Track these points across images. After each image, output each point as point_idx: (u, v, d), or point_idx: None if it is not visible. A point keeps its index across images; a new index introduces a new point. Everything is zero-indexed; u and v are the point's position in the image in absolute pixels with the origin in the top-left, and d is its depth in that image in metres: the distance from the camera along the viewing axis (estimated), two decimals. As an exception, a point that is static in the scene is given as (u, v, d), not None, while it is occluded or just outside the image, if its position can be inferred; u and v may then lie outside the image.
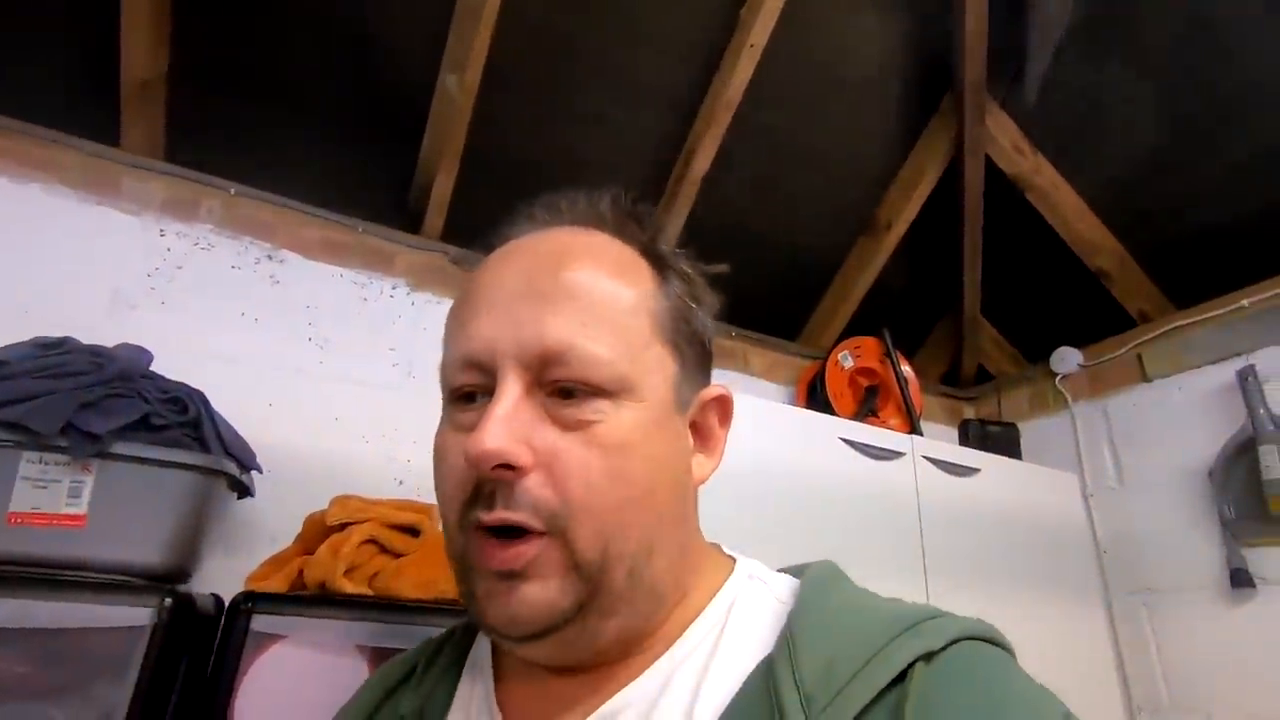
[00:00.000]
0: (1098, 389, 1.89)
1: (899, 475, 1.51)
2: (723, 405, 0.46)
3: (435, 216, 1.64)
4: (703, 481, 0.45)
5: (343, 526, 1.01)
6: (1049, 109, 1.77)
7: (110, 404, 0.93)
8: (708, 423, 0.46)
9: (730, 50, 1.62)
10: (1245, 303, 1.60)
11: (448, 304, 1.57)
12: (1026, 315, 2.15)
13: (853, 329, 2.01)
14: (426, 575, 1.00)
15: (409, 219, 1.66)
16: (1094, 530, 1.78)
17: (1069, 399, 1.93)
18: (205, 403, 1.06)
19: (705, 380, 0.46)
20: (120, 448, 0.91)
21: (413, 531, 1.05)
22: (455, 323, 0.43)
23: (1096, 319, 1.94)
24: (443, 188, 1.59)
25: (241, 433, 1.17)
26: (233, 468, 1.04)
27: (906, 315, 2.16)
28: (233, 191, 1.45)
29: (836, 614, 0.38)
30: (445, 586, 1.00)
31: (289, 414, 1.37)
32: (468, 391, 0.40)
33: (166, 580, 0.92)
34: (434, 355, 1.51)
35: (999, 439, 1.89)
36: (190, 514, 0.99)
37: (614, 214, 0.45)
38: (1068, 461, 1.88)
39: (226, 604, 0.89)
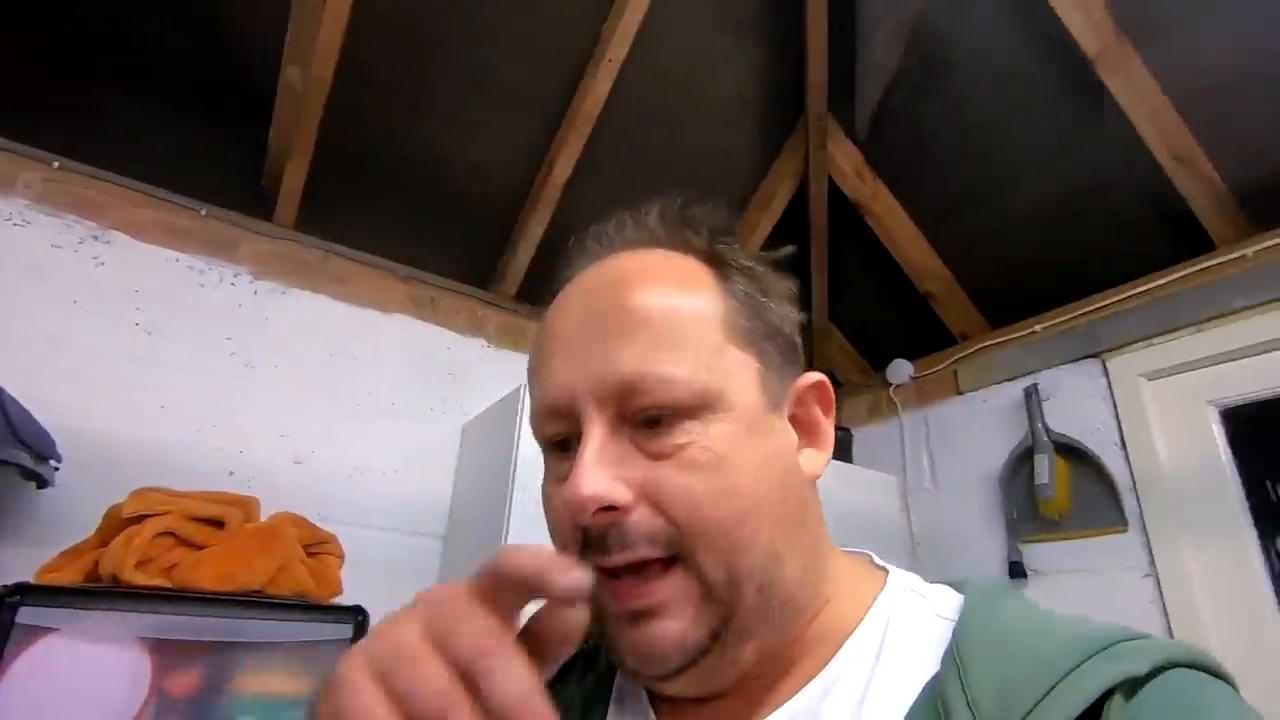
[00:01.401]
0: (922, 399, 2.07)
1: (728, 475, 1.62)
2: (821, 392, 0.44)
3: (287, 206, 1.62)
4: (817, 476, 0.43)
5: (141, 519, 1.00)
6: (887, 140, 1.92)
7: (-125, 389, 0.89)
8: (810, 414, 0.43)
9: (591, 63, 1.68)
10: (1038, 328, 1.81)
11: (294, 294, 1.57)
12: (872, 329, 2.33)
13: (711, 335, 2.12)
14: (227, 568, 1.01)
15: (260, 207, 1.63)
16: (910, 527, 1.96)
17: (899, 407, 2.11)
18: (-5, 389, 1.02)
19: (797, 371, 0.44)
20: (-117, 435, 0.87)
21: (219, 524, 1.06)
22: (533, 375, 0.42)
23: (928, 334, 2.13)
24: (294, 178, 1.58)
25: (57, 421, 1.14)
26: (23, 457, 1.01)
27: (765, 323, 2.30)
28: (56, 165, 1.39)
29: (1010, 631, 0.35)
30: (246, 579, 1.01)
31: (111, 402, 1.33)
32: (559, 439, 0.40)
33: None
34: (276, 345, 1.51)
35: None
36: (-29, 504, 0.96)
37: (664, 226, 0.44)
38: (894, 465, 2.06)
39: (4, 597, 0.87)
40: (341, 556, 1.24)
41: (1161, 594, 1.43)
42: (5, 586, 0.86)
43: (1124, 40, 1.46)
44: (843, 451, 2.05)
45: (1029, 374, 1.79)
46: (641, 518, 0.36)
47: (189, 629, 0.94)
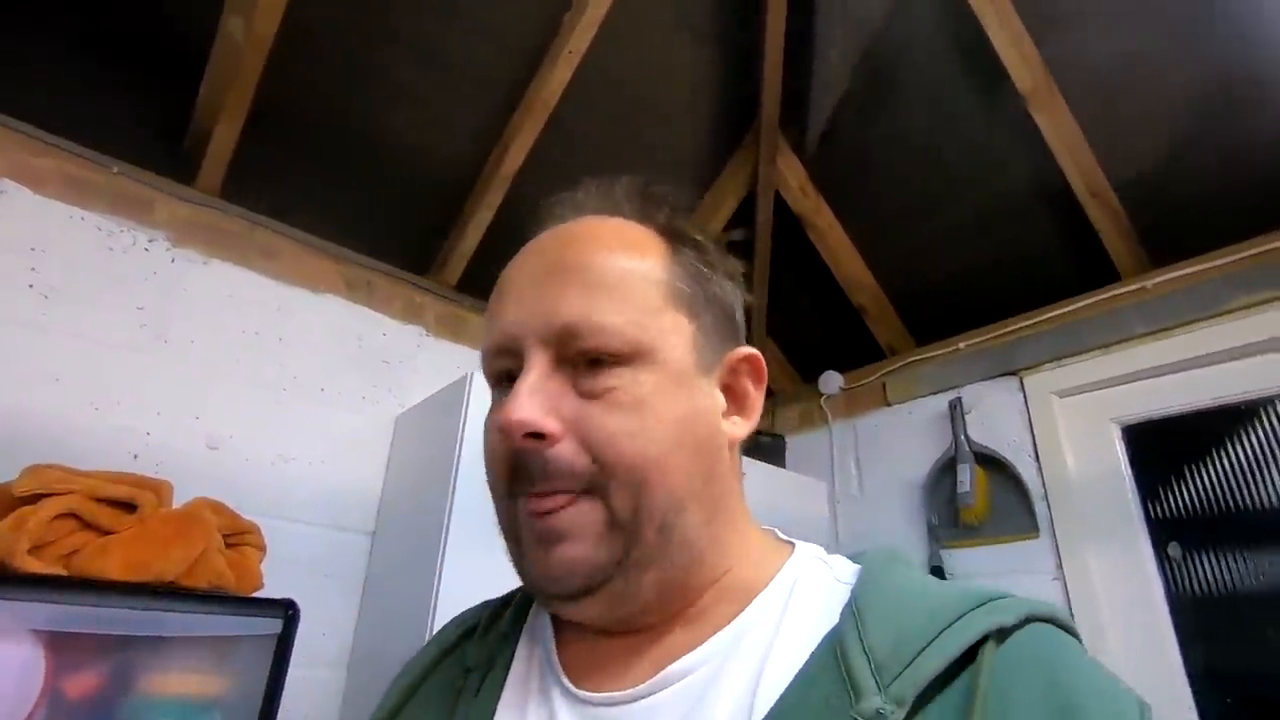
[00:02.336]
0: (852, 409, 2.15)
1: (670, 475, 1.62)
2: (753, 364, 0.47)
3: (213, 170, 1.49)
4: (738, 440, 0.46)
5: (36, 499, 0.89)
6: (830, 158, 1.99)
7: None
8: (739, 384, 0.47)
9: (550, 52, 1.65)
10: (961, 345, 1.92)
11: (216, 265, 1.45)
12: (806, 339, 2.40)
13: (652, 337, 2.12)
14: (139, 556, 0.90)
15: (182, 169, 1.49)
16: (837, 532, 2.02)
17: (829, 417, 2.18)
18: None
19: (734, 343, 0.47)
20: None
21: (129, 507, 0.95)
22: (488, 317, 0.45)
23: (859, 347, 2.21)
24: (223, 140, 1.46)
25: (-82, 386, 0.99)
26: (-110, 424, 0.88)
27: (703, 330, 2.32)
28: (-59, 103, 1.23)
29: (902, 590, 0.39)
30: (161, 568, 0.91)
31: (-7, 370, 1.18)
32: (504, 375, 0.43)
33: None
34: (193, 318, 1.39)
35: (768, 448, 2.08)
36: None
37: (629, 199, 0.48)
38: (823, 471, 2.12)
39: None
40: (263, 548, 1.14)
41: (1068, 595, 1.53)
42: None
43: (1051, 80, 1.58)
44: (776, 457, 2.09)
45: (952, 388, 1.89)
46: (565, 451, 0.39)
47: (92, 621, 0.83)
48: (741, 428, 0.46)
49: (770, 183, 1.98)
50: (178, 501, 1.10)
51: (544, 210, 0.50)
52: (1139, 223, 1.66)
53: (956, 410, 1.82)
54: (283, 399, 1.48)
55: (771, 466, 1.97)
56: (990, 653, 0.34)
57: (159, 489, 1.02)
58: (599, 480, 0.39)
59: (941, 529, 1.79)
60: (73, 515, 0.89)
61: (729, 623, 0.41)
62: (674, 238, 0.47)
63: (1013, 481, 1.69)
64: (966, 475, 1.70)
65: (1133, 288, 1.64)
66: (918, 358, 2.02)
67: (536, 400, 0.39)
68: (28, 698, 0.76)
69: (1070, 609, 1.52)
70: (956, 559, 1.75)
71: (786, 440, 2.20)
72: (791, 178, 2.02)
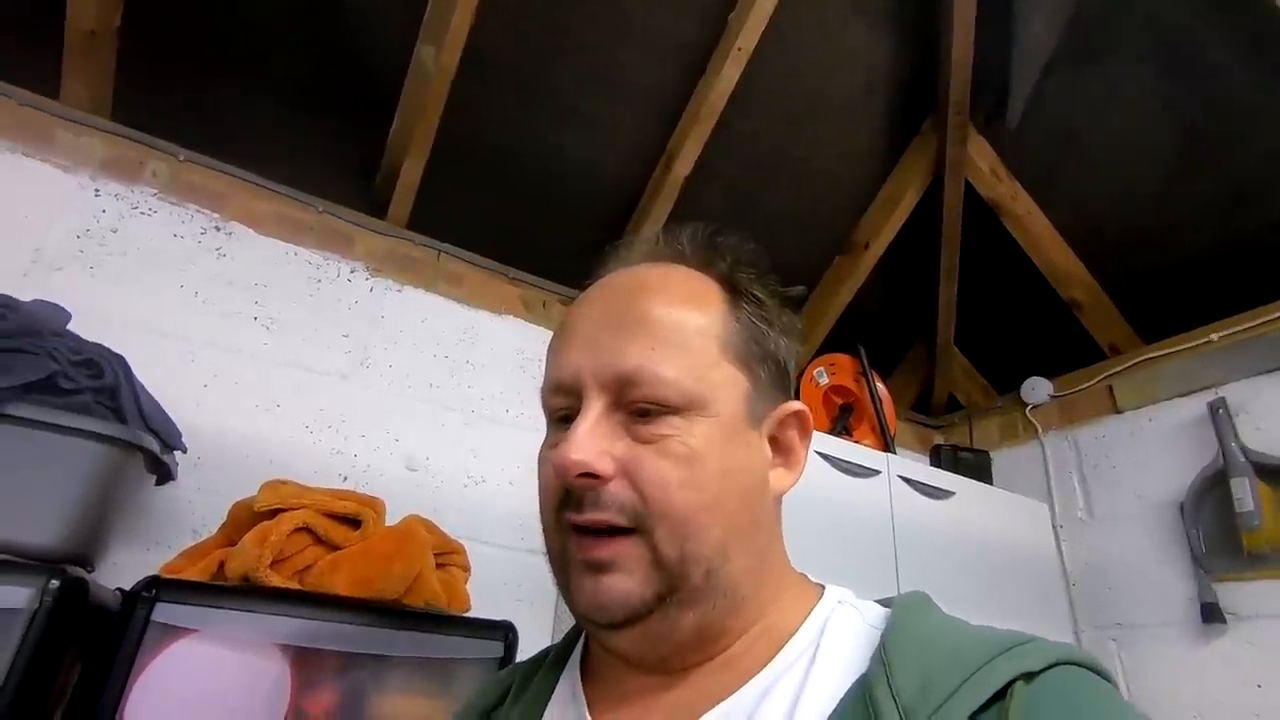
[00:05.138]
0: (1067, 420, 1.87)
1: (874, 493, 1.46)
2: (801, 420, 0.48)
3: (402, 203, 1.56)
4: (783, 493, 0.47)
5: (273, 513, 0.90)
6: (1026, 137, 1.78)
7: (10, 360, 0.82)
8: (786, 437, 0.48)
9: (717, 53, 1.59)
10: (1214, 337, 1.61)
11: (409, 292, 1.47)
12: (997, 344, 2.14)
13: (826, 350, 1.97)
14: (364, 573, 0.89)
15: (374, 204, 1.57)
16: (1063, 561, 1.75)
17: (1039, 429, 1.91)
18: (126, 369, 0.95)
19: (784, 397, 0.49)
20: (16, 409, 0.79)
21: (354, 523, 0.95)
22: (551, 354, 0.47)
23: (1066, 350, 1.94)
24: (411, 174, 1.51)
25: (168, 413, 1.06)
26: (152, 443, 0.93)
27: (881, 339, 2.14)
28: (181, 157, 1.35)
29: (931, 635, 0.39)
30: (383, 585, 0.90)
31: (225, 396, 1.26)
32: (562, 414, 0.45)
33: (61, 565, 0.80)
34: (391, 344, 1.41)
35: (971, 465, 1.86)
36: (96, 492, 0.87)
37: (692, 247, 0.49)
38: (1038, 491, 1.85)
39: (131, 595, 0.77)
40: (468, 569, 1.12)
41: None
42: (139, 581, 0.76)
43: (1334, 4, 1.30)
44: (981, 474, 1.85)
45: (1208, 388, 1.58)
46: (618, 488, 0.40)
47: (327, 638, 0.82)
48: (786, 479, 0.48)
49: (959, 168, 1.79)
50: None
51: (609, 253, 0.51)
52: None
53: (1220, 413, 1.52)
54: (472, 421, 1.49)
55: (980, 484, 1.74)
56: (1021, 690, 0.34)
57: (376, 506, 1.02)
58: (645, 521, 0.40)
59: (1212, 558, 1.48)
60: (306, 530, 0.89)
61: (761, 668, 0.41)
62: (734, 291, 0.48)
63: (1314, 498, 1.37)
64: (1246, 490, 1.40)
65: None
66: (1153, 355, 1.72)
67: (592, 442, 0.41)
68: (278, 714, 0.75)
69: None
70: (1239, 595, 1.44)
71: (991, 456, 1.95)
72: (981, 161, 1.82)
